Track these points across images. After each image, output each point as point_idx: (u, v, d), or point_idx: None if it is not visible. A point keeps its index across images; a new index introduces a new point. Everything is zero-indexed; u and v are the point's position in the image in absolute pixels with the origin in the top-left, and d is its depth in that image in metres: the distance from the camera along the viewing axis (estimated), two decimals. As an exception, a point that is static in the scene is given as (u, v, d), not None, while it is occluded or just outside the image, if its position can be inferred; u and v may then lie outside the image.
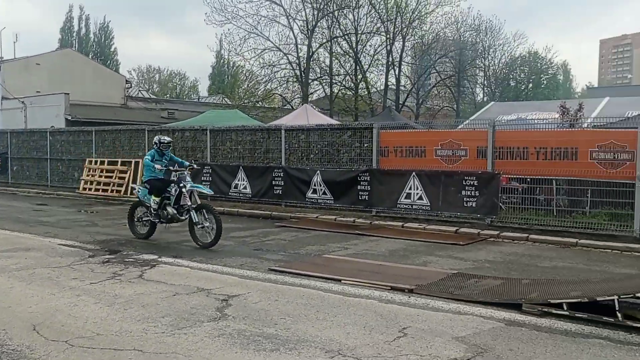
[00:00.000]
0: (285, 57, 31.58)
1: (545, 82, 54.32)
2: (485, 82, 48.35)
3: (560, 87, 62.76)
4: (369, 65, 33.81)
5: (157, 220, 10.08)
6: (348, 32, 32.42)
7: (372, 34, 32.98)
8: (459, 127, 14.97)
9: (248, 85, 33.89)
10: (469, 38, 43.31)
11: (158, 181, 9.98)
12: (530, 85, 52.92)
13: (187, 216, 9.67)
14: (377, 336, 4.95)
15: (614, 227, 10.30)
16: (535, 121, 13.96)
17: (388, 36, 33.46)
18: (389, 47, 34.09)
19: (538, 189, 11.57)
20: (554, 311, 5.54)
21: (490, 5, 44.94)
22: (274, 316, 5.53)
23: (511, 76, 51.43)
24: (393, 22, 33.11)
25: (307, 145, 14.43)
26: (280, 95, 33.30)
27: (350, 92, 33.45)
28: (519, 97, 46.54)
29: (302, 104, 25.77)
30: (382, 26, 32.99)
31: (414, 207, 12.29)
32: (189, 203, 9.60)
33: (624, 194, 10.33)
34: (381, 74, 35.32)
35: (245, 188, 15.06)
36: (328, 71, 32.89)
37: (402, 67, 36.92)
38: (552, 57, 59.50)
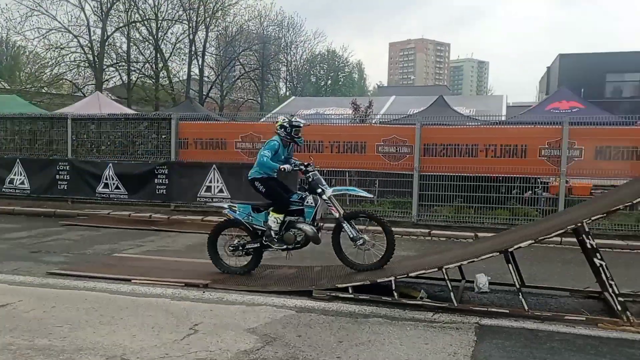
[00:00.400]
0: (75, 40, 29.00)
1: (342, 79, 58.13)
2: (288, 77, 50.03)
3: (356, 85, 67.71)
4: (171, 53, 32.74)
5: (281, 247, 6.85)
6: (147, 17, 30.89)
7: (173, 22, 31.93)
8: (262, 120, 15.18)
9: (32, 68, 30.34)
10: (272, 33, 44.44)
11: (279, 187, 6.89)
12: (329, 81, 56.18)
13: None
14: (166, 336, 4.71)
15: (397, 214, 11.37)
16: (331, 116, 14.79)
17: (191, 25, 32.70)
18: (191, 36, 33.35)
19: (333, 180, 12.23)
20: (341, 295, 5.86)
21: (292, 2, 46.48)
22: (48, 325, 4.94)
23: (312, 72, 54.07)
24: (196, 10, 32.42)
25: (98, 136, 13.33)
26: (70, 81, 30.44)
27: (151, 81, 31.98)
28: (319, 93, 49.14)
29: (96, 92, 23.92)
30: (185, 14, 32.12)
31: (215, 200, 12.13)
32: (341, 212, 6.76)
33: (404, 184, 11.46)
34: (184, 64, 34.49)
35: (22, 183, 13.42)
36: (125, 57, 30.96)
37: (206, 57, 36.47)
38: (348, 56, 63.97)
